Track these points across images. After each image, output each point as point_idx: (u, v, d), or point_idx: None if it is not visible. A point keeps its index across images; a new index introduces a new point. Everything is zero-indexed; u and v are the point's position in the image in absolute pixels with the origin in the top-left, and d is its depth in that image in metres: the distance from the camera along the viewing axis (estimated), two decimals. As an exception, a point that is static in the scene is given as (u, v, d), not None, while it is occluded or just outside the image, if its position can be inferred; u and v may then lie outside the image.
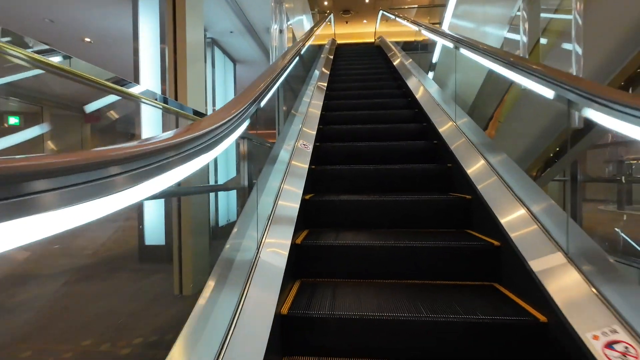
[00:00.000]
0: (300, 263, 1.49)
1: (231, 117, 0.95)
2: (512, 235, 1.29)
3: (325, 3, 11.33)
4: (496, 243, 1.38)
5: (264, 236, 1.31)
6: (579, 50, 1.69)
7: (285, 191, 1.68)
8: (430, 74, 3.52)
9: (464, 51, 2.06)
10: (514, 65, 1.47)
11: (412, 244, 1.45)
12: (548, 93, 1.26)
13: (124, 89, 1.12)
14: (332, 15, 7.56)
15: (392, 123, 2.90)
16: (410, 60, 4.46)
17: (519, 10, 2.10)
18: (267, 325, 0.96)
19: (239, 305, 1.00)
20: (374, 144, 2.39)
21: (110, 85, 1.06)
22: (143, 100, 1.30)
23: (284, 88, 2.61)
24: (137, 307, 2.01)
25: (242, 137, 2.28)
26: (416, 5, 9.99)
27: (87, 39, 4.52)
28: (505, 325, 1.09)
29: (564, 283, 1.07)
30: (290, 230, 1.40)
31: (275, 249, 1.27)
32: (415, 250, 1.44)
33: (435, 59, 4.02)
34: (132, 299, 2.05)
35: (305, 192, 1.83)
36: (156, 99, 1.43)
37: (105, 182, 0.45)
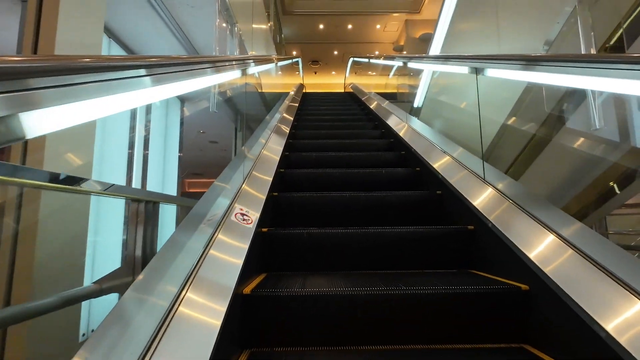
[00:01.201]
0: (249, 324, 1.05)
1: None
2: (549, 272, 0.93)
3: (294, 52, 11.41)
4: (524, 287, 1.04)
5: (184, 290, 0.82)
6: None
7: (230, 220, 1.21)
8: (419, 124, 2.95)
9: (498, 73, 1.39)
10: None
11: (410, 291, 1.06)
12: None
13: None
14: (300, 59, 7.31)
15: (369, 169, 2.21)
16: (387, 102, 4.05)
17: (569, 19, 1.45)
18: None
19: None
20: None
21: None
22: None
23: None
24: None
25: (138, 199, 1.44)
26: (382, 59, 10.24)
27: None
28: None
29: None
30: (232, 275, 0.96)
31: (198, 313, 0.78)
32: (414, 300, 1.07)
33: (418, 103, 3.53)
34: None
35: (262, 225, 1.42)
36: None
37: None
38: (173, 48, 3.31)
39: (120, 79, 0.67)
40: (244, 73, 1.72)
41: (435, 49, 3.38)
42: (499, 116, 1.99)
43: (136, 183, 3.83)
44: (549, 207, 1.17)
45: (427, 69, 3.05)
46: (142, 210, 1.42)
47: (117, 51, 3.18)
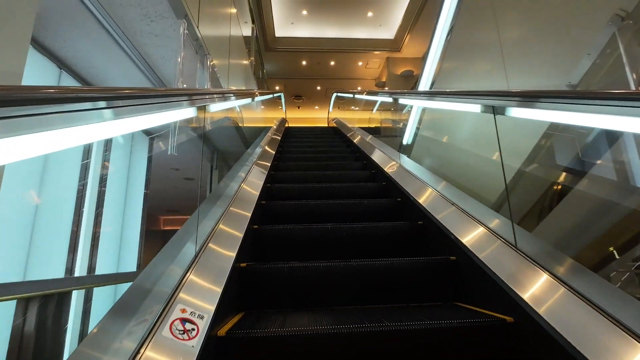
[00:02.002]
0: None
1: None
2: (533, 304, 0.91)
3: (277, 87, 11.37)
4: (508, 319, 1.00)
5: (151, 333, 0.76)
6: None
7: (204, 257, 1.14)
8: (405, 159, 2.65)
9: (531, 114, 1.06)
10: None
11: (395, 327, 0.98)
12: None
13: None
14: (282, 94, 7.12)
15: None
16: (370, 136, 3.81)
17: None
18: None
19: None
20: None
21: None
22: None
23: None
24: None
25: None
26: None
27: None
28: None
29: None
30: (206, 315, 0.87)
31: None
32: (400, 336, 0.99)
33: (407, 139, 3.24)
34: None
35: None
36: None
37: None
38: (137, 80, 2.95)
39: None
40: (200, 110, 1.35)
41: (424, 85, 3.18)
42: (514, 160, 1.68)
43: (87, 221, 3.40)
44: (533, 239, 1.17)
45: (421, 106, 2.78)
46: (34, 312, 0.95)
47: (69, 83, 2.79)
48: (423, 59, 3.21)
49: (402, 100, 2.70)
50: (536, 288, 0.97)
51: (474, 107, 1.42)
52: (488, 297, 1.15)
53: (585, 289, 0.88)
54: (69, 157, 2.90)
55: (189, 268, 1.08)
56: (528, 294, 0.96)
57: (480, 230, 1.36)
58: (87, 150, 3.08)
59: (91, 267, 3.40)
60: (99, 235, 3.54)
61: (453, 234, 1.40)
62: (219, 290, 1.03)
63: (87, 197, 3.34)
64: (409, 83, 9.52)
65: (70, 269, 3.18)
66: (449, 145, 2.46)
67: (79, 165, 3.06)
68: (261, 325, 1.02)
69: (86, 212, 3.33)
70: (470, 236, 1.34)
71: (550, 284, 0.96)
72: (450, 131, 2.51)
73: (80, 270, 3.25)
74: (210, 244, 1.27)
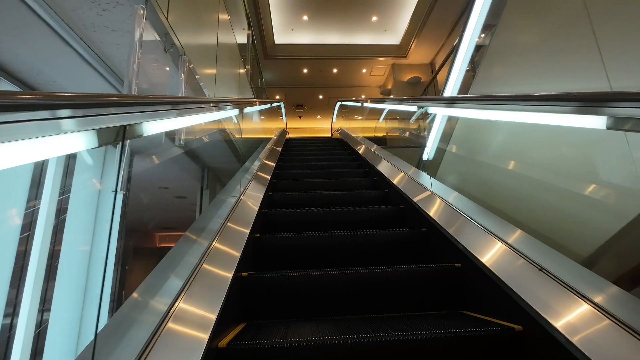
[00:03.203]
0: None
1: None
2: (542, 311, 0.86)
3: (277, 97, 10.88)
4: (517, 327, 0.96)
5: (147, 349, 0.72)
6: None
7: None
8: (434, 183, 2.05)
9: None
10: None
11: (399, 337, 0.94)
12: None
13: None
14: (282, 104, 6.59)
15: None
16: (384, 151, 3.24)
17: None
18: None
19: None
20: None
21: None
22: None
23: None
24: None
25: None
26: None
27: None
28: None
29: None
30: (206, 327, 0.86)
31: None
32: (406, 346, 0.94)
33: (428, 154, 2.67)
34: None
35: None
36: None
37: None
38: (101, 90, 2.40)
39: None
40: (104, 133, 0.77)
41: (450, 90, 2.60)
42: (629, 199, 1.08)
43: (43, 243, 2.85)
44: (540, 245, 1.10)
45: (477, 117, 2.13)
46: None
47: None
48: (450, 60, 2.65)
49: (432, 110, 2.12)
50: (539, 290, 0.92)
51: (589, 121, 0.84)
52: (495, 304, 1.09)
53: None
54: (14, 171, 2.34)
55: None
56: (534, 300, 0.90)
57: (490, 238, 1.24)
58: (39, 165, 2.54)
59: (45, 300, 2.81)
60: (57, 262, 2.96)
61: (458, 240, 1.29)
62: (220, 300, 0.99)
63: (43, 215, 2.80)
64: (416, 90, 8.99)
65: (13, 303, 2.58)
66: (502, 170, 1.86)
67: (27, 180, 2.50)
68: (263, 335, 1.01)
69: (41, 231, 2.77)
70: (477, 240, 1.25)
71: (554, 286, 0.91)
72: (510, 149, 1.91)
73: (30, 307, 2.65)
74: (205, 262, 1.20)
